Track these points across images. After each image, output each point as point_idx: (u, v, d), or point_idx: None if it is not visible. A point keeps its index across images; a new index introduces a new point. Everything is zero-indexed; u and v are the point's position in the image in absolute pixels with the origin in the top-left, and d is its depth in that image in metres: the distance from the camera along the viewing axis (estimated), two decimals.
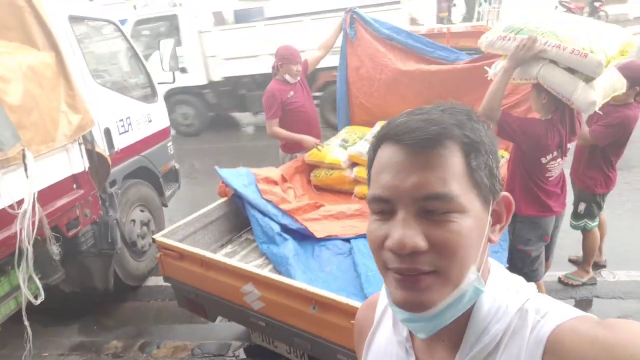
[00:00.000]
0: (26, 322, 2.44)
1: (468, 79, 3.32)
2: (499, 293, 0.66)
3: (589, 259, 3.53)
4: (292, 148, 4.00)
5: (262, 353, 2.93)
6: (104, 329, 3.62)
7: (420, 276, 0.60)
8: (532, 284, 0.70)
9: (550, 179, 2.64)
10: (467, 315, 0.65)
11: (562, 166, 2.65)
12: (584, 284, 3.54)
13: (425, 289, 0.60)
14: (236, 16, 9.50)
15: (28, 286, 2.47)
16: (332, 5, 7.28)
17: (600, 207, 3.36)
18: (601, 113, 3.17)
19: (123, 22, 6.74)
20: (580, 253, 3.83)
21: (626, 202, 4.68)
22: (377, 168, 0.65)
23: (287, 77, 3.79)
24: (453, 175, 0.60)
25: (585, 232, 3.44)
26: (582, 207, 3.36)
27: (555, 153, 2.54)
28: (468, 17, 12.73)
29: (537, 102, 2.59)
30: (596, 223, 3.40)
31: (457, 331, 0.65)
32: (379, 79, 3.89)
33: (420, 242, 0.59)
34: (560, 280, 3.60)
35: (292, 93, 3.82)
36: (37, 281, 2.50)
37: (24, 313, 2.47)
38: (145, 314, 3.80)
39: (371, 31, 3.92)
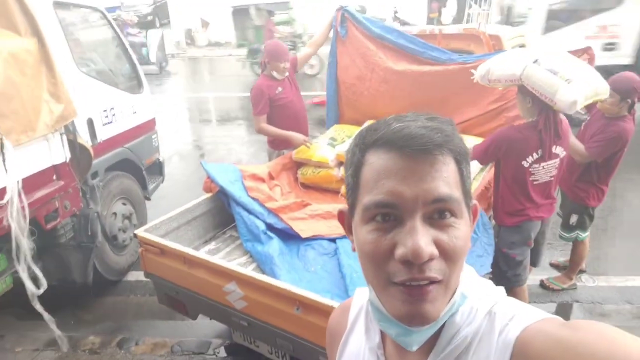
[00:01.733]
0: (40, 310, 2.59)
1: (459, 80, 3.32)
2: (470, 297, 0.67)
3: (576, 268, 3.58)
4: (280, 145, 3.96)
5: (243, 352, 2.90)
6: (81, 323, 3.54)
7: (428, 287, 0.59)
8: (501, 288, 0.71)
9: (535, 183, 2.65)
10: None
11: (550, 172, 2.66)
12: (563, 289, 3.59)
13: (432, 300, 0.60)
14: None
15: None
16: None
17: (592, 219, 3.38)
18: (587, 117, 3.21)
19: (111, 10, 6.60)
20: (561, 258, 3.88)
21: (607, 210, 4.76)
22: (372, 173, 0.63)
23: (274, 73, 3.76)
24: (453, 180, 0.62)
25: (576, 242, 3.46)
26: (574, 219, 3.36)
27: (535, 155, 2.57)
28: (458, 19, 12.81)
29: (522, 105, 2.65)
30: (587, 234, 3.42)
31: (431, 336, 0.65)
32: (370, 78, 3.87)
33: (435, 250, 0.59)
34: (542, 284, 3.64)
35: (280, 89, 3.78)
36: (37, 271, 2.44)
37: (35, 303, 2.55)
38: (124, 309, 3.73)
39: (362, 30, 3.89)
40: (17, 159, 2.35)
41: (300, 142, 3.74)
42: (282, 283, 2.22)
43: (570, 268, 3.59)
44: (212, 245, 3.18)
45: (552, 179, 2.69)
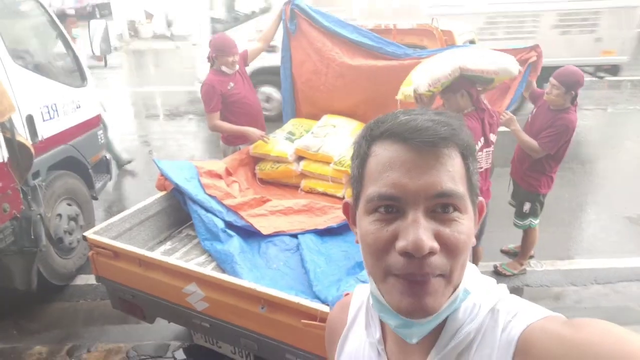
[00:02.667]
0: None
1: None
2: (473, 293, 0.67)
3: (527, 254, 3.75)
4: (235, 140, 3.87)
5: (204, 353, 2.82)
6: (25, 333, 3.30)
7: (429, 281, 0.59)
8: (503, 285, 0.71)
9: (479, 170, 2.75)
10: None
11: (489, 159, 2.80)
12: (514, 274, 3.76)
13: (432, 293, 0.60)
14: None
15: None
16: None
17: (542, 206, 3.55)
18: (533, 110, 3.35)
19: None
20: (511, 244, 4.06)
21: (549, 197, 5.01)
22: (378, 165, 0.63)
23: (224, 68, 3.64)
24: (458, 175, 0.62)
25: (528, 229, 3.62)
26: (527, 206, 3.51)
27: (480, 143, 2.71)
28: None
29: (454, 101, 2.74)
30: (538, 221, 3.59)
31: (433, 332, 0.64)
32: (326, 73, 3.84)
33: (435, 244, 0.58)
34: (495, 270, 3.79)
35: (232, 84, 3.67)
36: None
37: None
38: (73, 315, 3.52)
39: (316, 25, 3.85)
40: None
41: (257, 137, 3.67)
42: (246, 282, 2.17)
43: (522, 254, 3.76)
44: (167, 245, 3.06)
45: (490, 165, 2.82)
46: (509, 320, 0.62)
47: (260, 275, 2.58)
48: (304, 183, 3.59)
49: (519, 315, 0.62)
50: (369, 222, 0.62)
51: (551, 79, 3.15)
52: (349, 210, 0.73)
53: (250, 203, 3.15)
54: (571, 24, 6.92)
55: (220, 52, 3.59)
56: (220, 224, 2.86)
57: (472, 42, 4.06)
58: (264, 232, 2.92)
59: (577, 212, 4.89)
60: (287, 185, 3.71)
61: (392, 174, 0.60)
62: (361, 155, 0.66)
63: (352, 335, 0.81)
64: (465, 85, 2.68)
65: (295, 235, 2.93)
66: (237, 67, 3.71)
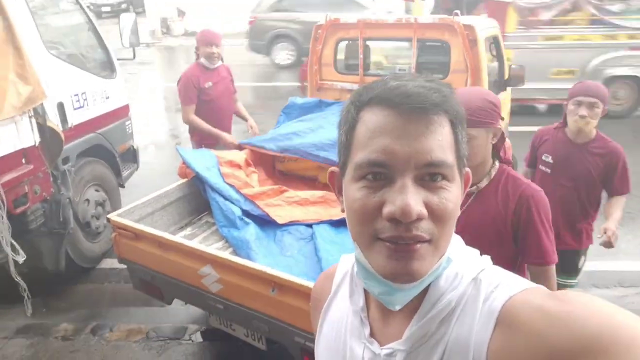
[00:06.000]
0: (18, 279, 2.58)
1: None
2: (456, 262, 0.66)
3: None
4: (205, 141, 3.75)
5: (219, 337, 2.91)
6: (53, 311, 3.47)
7: (416, 245, 0.59)
8: (487, 256, 0.71)
9: None
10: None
11: None
12: None
13: (418, 258, 0.59)
14: None
15: None
16: None
17: None
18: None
19: None
20: None
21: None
22: (366, 131, 0.62)
23: (203, 60, 3.63)
24: (447, 144, 0.61)
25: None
26: (583, 260, 2.76)
27: None
28: (435, 11, 12.87)
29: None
30: None
31: (415, 299, 0.64)
32: None
33: (424, 209, 0.58)
34: None
35: (210, 84, 3.64)
36: (16, 244, 2.40)
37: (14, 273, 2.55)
38: (98, 296, 3.68)
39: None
40: None
41: (230, 143, 3.63)
42: (257, 265, 2.23)
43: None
44: (187, 231, 3.16)
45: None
46: (491, 290, 0.61)
47: (274, 262, 2.64)
48: (322, 175, 3.63)
49: (501, 286, 0.61)
50: (357, 188, 0.62)
51: (581, 98, 2.34)
52: (335, 179, 0.72)
53: (267, 193, 3.21)
54: None
55: (200, 42, 3.60)
56: (238, 212, 2.93)
57: (495, 37, 4.00)
58: (280, 221, 2.98)
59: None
60: (305, 177, 3.76)
61: (382, 139, 0.59)
62: (349, 121, 0.65)
63: (335, 303, 0.81)
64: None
65: (310, 225, 2.97)
66: (220, 62, 3.69)
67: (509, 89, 4.32)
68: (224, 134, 3.69)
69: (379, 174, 0.60)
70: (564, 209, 2.48)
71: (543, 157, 2.59)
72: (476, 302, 0.62)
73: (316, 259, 2.70)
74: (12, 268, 2.59)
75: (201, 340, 3.12)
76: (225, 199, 3.02)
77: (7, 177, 2.69)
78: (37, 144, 2.90)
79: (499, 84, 4.11)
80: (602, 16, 6.90)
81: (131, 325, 3.27)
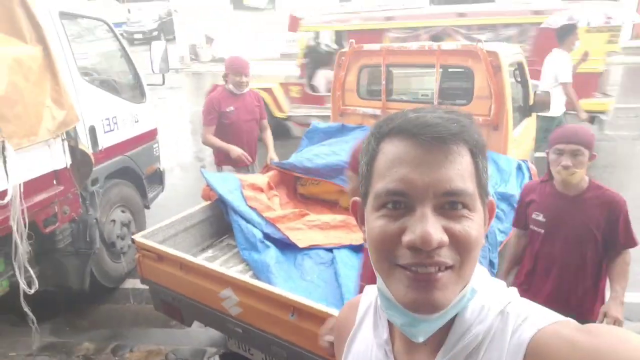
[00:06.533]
0: (26, 309, 2.51)
1: None
2: (482, 294, 0.65)
3: None
4: (223, 161, 3.85)
5: None
6: (76, 330, 3.53)
7: (437, 274, 0.58)
8: (514, 288, 0.69)
9: None
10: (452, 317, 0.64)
11: None
12: None
13: (440, 287, 0.59)
14: None
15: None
16: None
17: None
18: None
19: (117, 25, 6.66)
20: None
21: None
22: (386, 161, 0.63)
23: (231, 87, 3.70)
24: (468, 173, 0.61)
25: None
26: None
27: None
28: None
29: None
30: None
31: (440, 332, 0.63)
32: None
33: (445, 237, 0.58)
34: None
35: (232, 108, 3.70)
36: (32, 271, 2.46)
37: (23, 302, 2.50)
38: (120, 316, 3.72)
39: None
40: (18, 162, 2.38)
41: (236, 154, 3.67)
42: (276, 288, 2.23)
43: None
44: (209, 253, 3.19)
45: None
46: (519, 323, 0.60)
47: (294, 286, 2.63)
48: (343, 199, 3.63)
49: (530, 319, 0.60)
50: (377, 217, 0.62)
51: (561, 146, 2.06)
52: (357, 208, 0.72)
53: (289, 216, 3.23)
54: None
55: (229, 69, 3.68)
56: (259, 235, 2.95)
57: (519, 63, 3.99)
58: (300, 245, 2.98)
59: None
60: (326, 201, 3.77)
61: (400, 169, 0.60)
62: (370, 152, 0.66)
63: (359, 335, 0.80)
64: None
65: (330, 250, 2.97)
66: (247, 89, 3.74)
67: (533, 114, 4.28)
68: (231, 146, 3.69)
69: (399, 203, 0.60)
70: (568, 272, 2.20)
71: (534, 216, 2.27)
72: (504, 335, 0.60)
73: (336, 284, 2.68)
74: (22, 296, 2.55)
75: None
76: (247, 221, 3.05)
77: (39, 197, 2.78)
78: (68, 166, 3.00)
79: (524, 110, 4.08)
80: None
81: (151, 346, 3.29)
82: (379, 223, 0.61)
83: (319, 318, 2.02)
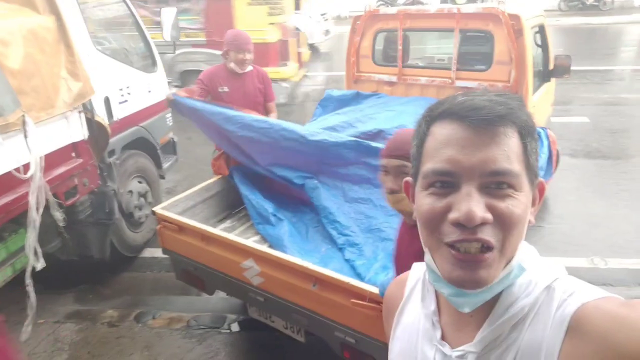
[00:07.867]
0: (29, 288, 2.46)
1: None
2: (529, 270, 0.68)
3: None
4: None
5: (257, 327, 2.96)
6: (100, 298, 3.63)
7: (481, 255, 0.61)
8: (562, 266, 0.71)
9: None
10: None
11: None
12: None
13: (485, 266, 0.62)
14: None
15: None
16: None
17: None
18: None
19: None
20: None
21: (622, 192, 4.72)
22: (435, 143, 0.66)
23: (232, 65, 3.31)
24: (514, 154, 0.63)
25: None
26: None
27: None
28: None
29: None
30: None
31: (487, 305, 0.66)
32: None
33: (488, 214, 0.60)
34: None
35: (225, 89, 3.34)
36: (38, 248, 2.48)
37: (27, 278, 2.47)
38: (140, 284, 3.81)
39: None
40: (38, 135, 2.38)
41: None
42: (299, 260, 2.26)
43: None
44: (227, 223, 3.23)
45: None
46: (564, 298, 0.63)
47: (309, 259, 2.67)
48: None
49: (576, 294, 0.62)
50: (425, 195, 0.66)
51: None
52: (409, 188, 0.76)
53: None
54: None
55: (230, 46, 3.28)
56: (270, 208, 2.97)
57: (541, 26, 3.86)
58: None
59: None
60: None
61: (448, 150, 0.63)
62: (420, 134, 0.70)
63: (408, 308, 0.84)
64: None
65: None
66: (250, 67, 3.38)
67: (553, 79, 4.18)
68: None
69: (446, 182, 0.63)
70: None
71: None
72: (549, 308, 0.63)
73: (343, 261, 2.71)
74: (27, 274, 2.46)
75: (239, 329, 3.19)
76: (256, 196, 3.05)
77: (60, 170, 2.80)
78: (86, 138, 3.00)
79: (543, 74, 3.98)
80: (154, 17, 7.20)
81: (172, 313, 3.38)
82: (427, 201, 0.65)
83: (341, 288, 2.06)
